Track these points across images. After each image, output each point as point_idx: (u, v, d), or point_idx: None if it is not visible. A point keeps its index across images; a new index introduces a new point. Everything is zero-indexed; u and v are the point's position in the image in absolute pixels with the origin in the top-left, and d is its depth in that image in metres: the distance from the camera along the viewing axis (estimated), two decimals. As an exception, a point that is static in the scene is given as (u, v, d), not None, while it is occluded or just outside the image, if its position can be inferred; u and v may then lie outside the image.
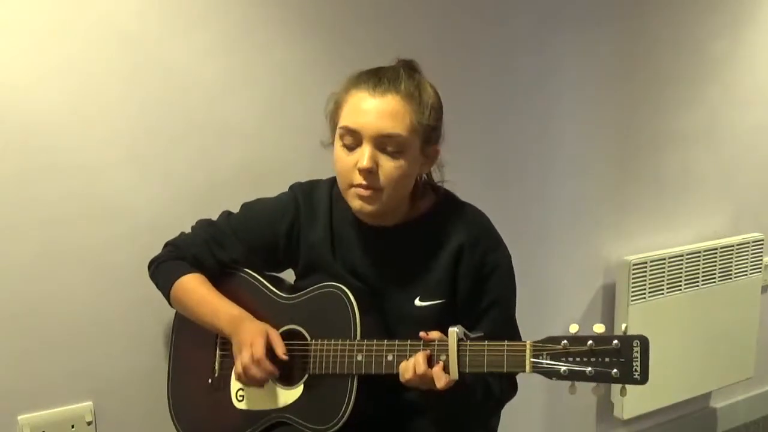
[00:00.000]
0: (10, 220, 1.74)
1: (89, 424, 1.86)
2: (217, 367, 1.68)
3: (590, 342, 1.32)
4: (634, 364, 1.30)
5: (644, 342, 1.31)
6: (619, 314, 2.63)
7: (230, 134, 1.96)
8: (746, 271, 2.88)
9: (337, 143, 1.52)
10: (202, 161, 1.93)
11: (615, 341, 1.31)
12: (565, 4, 2.43)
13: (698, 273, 2.74)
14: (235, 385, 1.64)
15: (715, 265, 2.79)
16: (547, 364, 1.35)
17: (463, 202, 1.64)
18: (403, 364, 1.44)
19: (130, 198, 1.85)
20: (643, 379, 1.31)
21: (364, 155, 1.46)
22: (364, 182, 1.48)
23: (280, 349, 1.52)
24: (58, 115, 1.75)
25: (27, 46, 1.71)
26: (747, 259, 2.87)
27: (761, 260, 2.92)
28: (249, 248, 1.68)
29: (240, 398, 1.63)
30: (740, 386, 3.08)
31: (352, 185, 1.50)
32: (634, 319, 2.60)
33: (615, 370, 1.31)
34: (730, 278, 2.84)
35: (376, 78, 1.49)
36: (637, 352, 1.31)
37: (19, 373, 1.79)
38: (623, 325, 1.35)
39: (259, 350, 1.50)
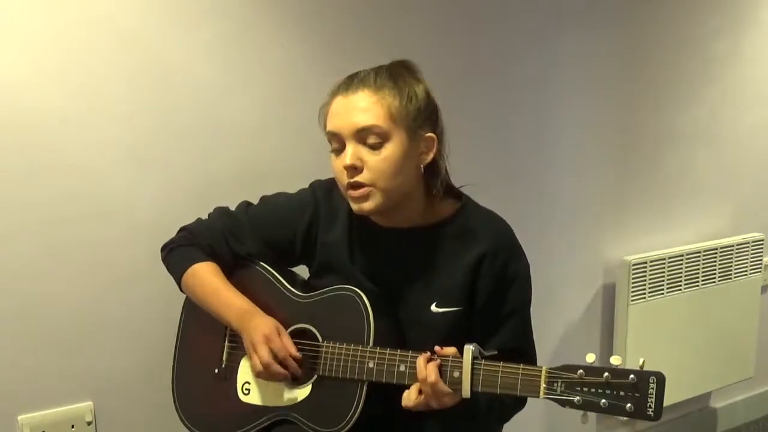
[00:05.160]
0: (10, 220, 1.74)
1: (89, 424, 1.86)
2: (224, 358, 1.67)
3: (606, 374, 1.31)
4: (649, 400, 1.30)
5: (661, 379, 1.30)
6: (619, 314, 2.63)
7: (230, 134, 1.96)
8: (746, 271, 2.88)
9: (331, 151, 1.53)
10: (202, 161, 1.93)
11: (631, 376, 1.31)
12: (565, 4, 2.43)
13: (698, 273, 2.74)
14: (241, 377, 1.63)
15: (715, 265, 2.79)
16: (561, 392, 1.35)
17: (485, 209, 1.63)
18: (405, 393, 1.44)
19: (130, 198, 1.86)
20: (657, 416, 1.30)
21: (346, 154, 1.47)
22: (351, 180, 1.48)
23: (293, 349, 1.52)
24: (58, 115, 1.76)
25: (27, 47, 1.71)
26: (747, 259, 2.87)
27: (761, 260, 2.92)
28: (265, 243, 1.67)
29: (246, 391, 1.62)
30: (740, 386, 3.08)
31: (346, 187, 1.50)
32: (634, 319, 2.60)
33: (629, 405, 1.30)
34: (730, 278, 2.83)
35: (349, 80, 1.50)
36: (653, 389, 1.30)
37: (19, 373, 1.79)
38: (641, 360, 1.34)
39: (283, 349, 1.51)
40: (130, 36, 1.80)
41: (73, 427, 1.85)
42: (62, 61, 1.74)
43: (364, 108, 1.46)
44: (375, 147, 1.47)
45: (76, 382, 1.85)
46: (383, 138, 1.46)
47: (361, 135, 1.46)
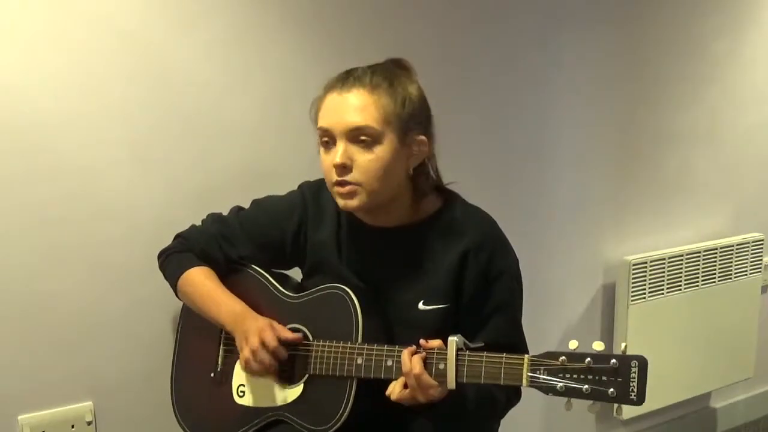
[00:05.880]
0: (10, 220, 1.74)
1: (89, 424, 1.86)
2: (220, 362, 1.68)
3: (588, 359, 1.32)
4: (631, 384, 1.30)
5: (642, 363, 1.30)
6: (619, 314, 2.63)
7: (230, 134, 1.96)
8: (746, 271, 2.88)
9: (319, 145, 1.54)
10: (202, 161, 1.93)
11: (613, 360, 1.31)
12: (565, 3, 2.43)
13: (698, 273, 2.75)
14: (236, 380, 1.65)
15: (715, 265, 2.79)
16: (544, 379, 1.34)
17: (470, 205, 1.63)
18: (391, 384, 1.45)
19: (130, 198, 1.86)
20: (640, 400, 1.30)
21: (336, 152, 1.48)
22: (339, 178, 1.48)
23: (288, 334, 1.53)
24: (58, 116, 1.75)
25: (27, 47, 1.71)
26: (747, 259, 2.87)
27: (761, 260, 2.93)
28: (256, 245, 1.69)
29: (241, 394, 1.64)
30: (740, 386, 3.08)
31: (333, 184, 1.51)
32: (634, 319, 2.60)
33: (612, 390, 1.30)
34: (730, 278, 2.84)
35: (345, 77, 1.51)
36: (635, 372, 1.30)
37: (19, 373, 1.79)
38: (622, 344, 1.35)
39: (272, 339, 1.51)
40: (130, 36, 1.80)
41: (73, 427, 1.85)
42: (62, 61, 1.74)
43: (358, 107, 1.47)
44: (365, 147, 1.48)
45: (76, 382, 1.85)
46: (375, 139, 1.47)
47: (353, 134, 1.47)
